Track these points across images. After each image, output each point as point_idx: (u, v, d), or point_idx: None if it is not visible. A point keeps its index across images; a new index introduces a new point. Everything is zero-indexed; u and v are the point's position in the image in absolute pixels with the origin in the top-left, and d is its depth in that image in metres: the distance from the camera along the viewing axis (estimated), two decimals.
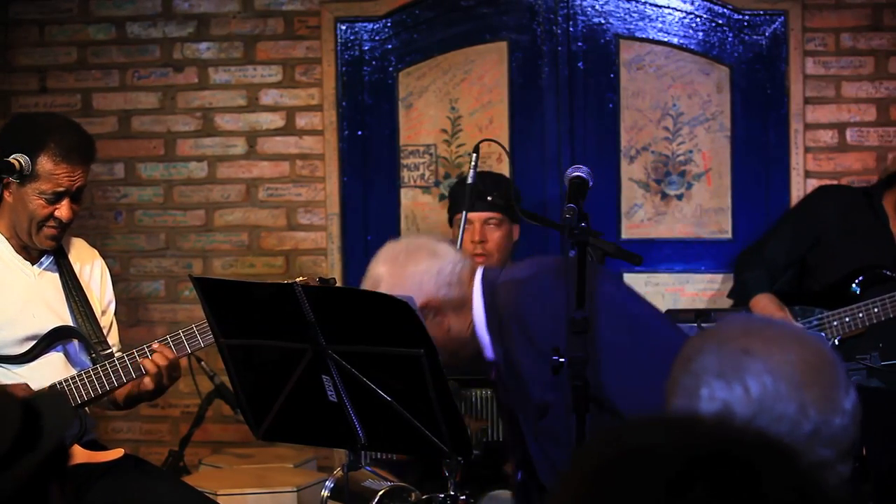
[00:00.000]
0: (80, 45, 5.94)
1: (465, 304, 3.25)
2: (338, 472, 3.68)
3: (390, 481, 3.69)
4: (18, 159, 3.64)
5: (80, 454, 3.73)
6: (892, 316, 4.71)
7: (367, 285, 3.20)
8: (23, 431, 1.75)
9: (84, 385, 3.75)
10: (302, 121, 5.87)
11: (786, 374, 1.85)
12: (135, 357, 3.77)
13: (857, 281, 4.93)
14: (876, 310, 4.73)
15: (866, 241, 5.02)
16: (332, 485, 3.67)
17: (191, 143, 5.93)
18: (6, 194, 3.74)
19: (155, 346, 3.76)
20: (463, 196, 4.61)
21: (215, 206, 5.93)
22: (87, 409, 3.86)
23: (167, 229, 5.94)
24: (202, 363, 4.94)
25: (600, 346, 3.00)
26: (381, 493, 3.58)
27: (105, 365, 3.76)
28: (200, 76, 5.90)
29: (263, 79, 5.88)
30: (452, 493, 3.35)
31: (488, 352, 3.25)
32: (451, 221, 4.88)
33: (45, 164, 3.68)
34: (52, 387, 3.71)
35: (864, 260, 4.98)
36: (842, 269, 4.99)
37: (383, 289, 3.13)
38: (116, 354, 3.82)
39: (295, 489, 4.77)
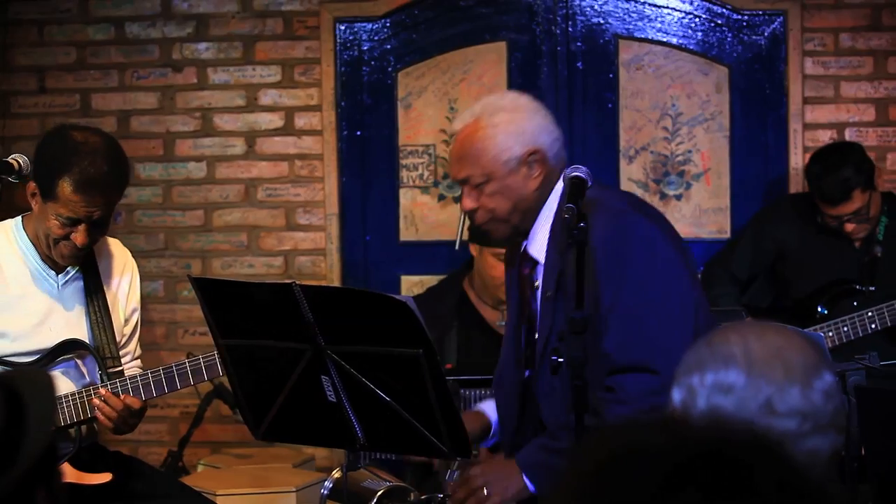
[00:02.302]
0: (79, 45, 5.93)
1: (552, 181, 3.30)
2: (337, 472, 3.68)
3: (389, 481, 3.69)
4: (17, 160, 3.58)
5: (68, 473, 3.64)
6: (861, 335, 4.70)
7: (490, 118, 3.26)
8: (6, 430, 1.63)
9: (83, 405, 3.68)
10: (301, 121, 5.87)
11: (738, 355, 2.00)
12: (148, 377, 3.71)
13: (822, 301, 4.93)
14: (846, 328, 4.72)
15: (827, 251, 5.00)
16: (330, 485, 3.66)
17: (190, 144, 5.93)
18: (33, 203, 3.64)
19: (102, 391, 3.61)
20: None
21: (214, 207, 5.93)
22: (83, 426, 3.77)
23: (166, 229, 5.94)
24: None
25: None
26: (379, 493, 3.58)
27: (106, 386, 3.68)
28: (199, 76, 5.90)
29: (262, 79, 5.88)
30: (451, 493, 3.34)
31: (530, 242, 3.31)
32: (472, 241, 4.81)
33: (64, 188, 3.50)
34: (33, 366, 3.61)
35: (828, 273, 4.97)
36: (807, 285, 4.99)
37: (504, 125, 3.23)
38: (128, 373, 3.75)
39: (294, 489, 4.77)
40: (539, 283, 3.32)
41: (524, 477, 3.19)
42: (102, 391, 3.62)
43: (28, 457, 1.61)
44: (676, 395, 2.00)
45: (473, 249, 4.74)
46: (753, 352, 1.98)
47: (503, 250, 4.60)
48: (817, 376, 1.98)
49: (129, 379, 3.68)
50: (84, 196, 3.51)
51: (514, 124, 3.25)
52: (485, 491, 3.19)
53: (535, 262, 3.33)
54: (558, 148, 3.30)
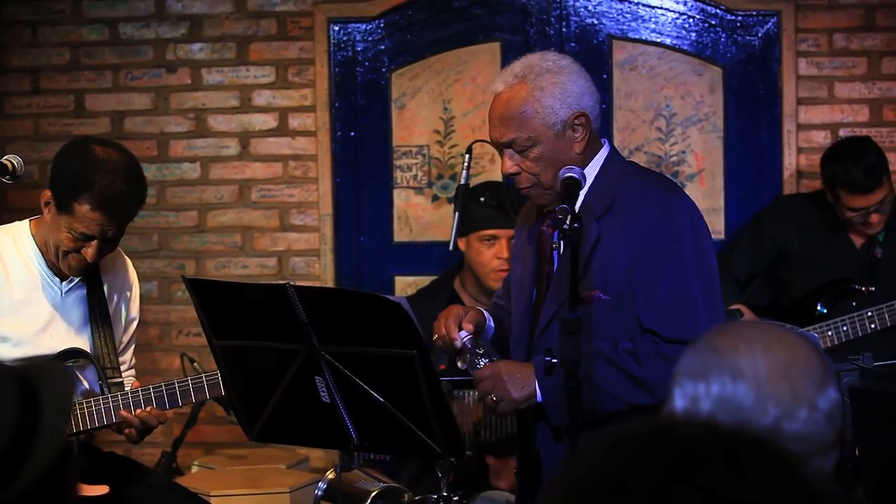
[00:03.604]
0: (72, 45, 5.93)
1: (595, 145, 3.30)
2: (330, 473, 3.68)
3: (383, 482, 3.69)
4: (11, 160, 3.55)
5: None
6: (860, 335, 4.70)
7: (535, 80, 3.22)
8: (19, 428, 1.53)
9: (83, 415, 3.65)
10: (295, 122, 5.87)
11: (746, 371, 1.93)
12: (150, 392, 3.69)
13: (821, 301, 4.92)
14: (846, 328, 4.73)
15: (827, 251, 4.99)
16: (324, 486, 3.67)
17: (183, 144, 5.93)
18: (45, 211, 3.60)
19: (139, 412, 3.64)
20: (476, 213, 4.61)
21: (208, 207, 5.92)
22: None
23: (160, 230, 5.94)
24: (195, 364, 4.93)
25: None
26: (373, 493, 3.58)
27: (107, 398, 3.66)
28: (193, 77, 5.90)
29: (256, 80, 5.88)
30: (445, 493, 3.35)
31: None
32: (459, 235, 4.79)
33: (81, 204, 3.48)
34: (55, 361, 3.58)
35: (828, 273, 4.96)
36: (807, 284, 4.98)
37: (550, 88, 3.20)
38: (128, 385, 3.74)
39: (288, 490, 4.76)
40: (560, 244, 3.29)
41: (536, 386, 3.17)
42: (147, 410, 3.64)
43: (39, 461, 1.52)
44: (679, 403, 1.95)
45: (461, 243, 4.73)
46: (762, 369, 1.93)
47: (490, 231, 4.63)
48: (822, 394, 1.93)
49: (131, 393, 3.68)
50: (100, 214, 3.49)
51: (560, 87, 3.21)
52: (493, 397, 3.18)
53: None
54: (598, 110, 3.30)
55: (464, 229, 4.71)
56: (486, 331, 3.41)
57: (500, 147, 3.28)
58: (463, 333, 3.27)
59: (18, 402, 1.56)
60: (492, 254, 4.68)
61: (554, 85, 3.21)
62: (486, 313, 3.43)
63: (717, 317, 3.18)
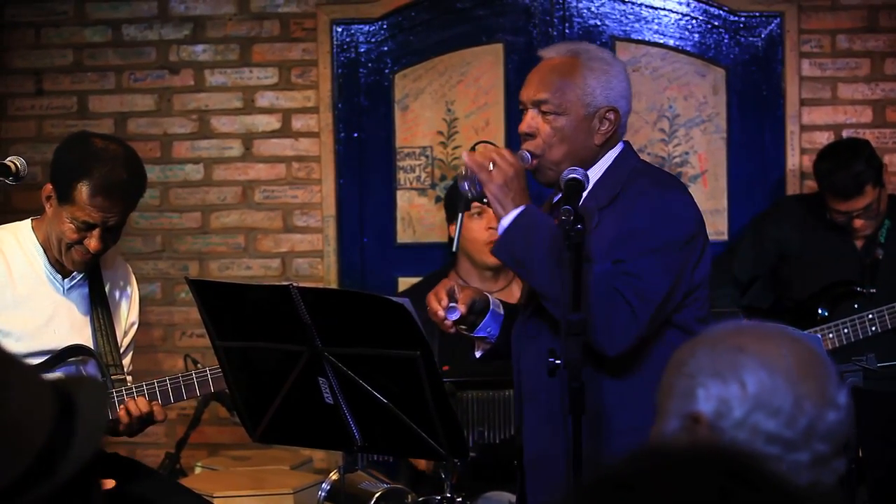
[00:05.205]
0: (75, 47, 5.93)
1: (615, 140, 3.30)
2: (334, 474, 3.69)
3: (386, 483, 3.69)
4: (14, 162, 3.58)
5: None
6: (861, 337, 4.69)
7: (588, 60, 3.25)
8: (54, 433, 1.55)
9: None
10: (298, 123, 5.87)
11: (781, 368, 1.87)
12: (154, 387, 3.72)
13: (823, 303, 4.91)
14: (846, 330, 4.72)
15: (829, 252, 4.99)
16: (328, 487, 3.67)
17: (187, 146, 5.93)
18: (47, 206, 3.64)
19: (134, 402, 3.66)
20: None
21: (211, 209, 5.92)
22: None
23: (163, 232, 5.94)
24: (198, 365, 4.93)
25: None
26: (377, 495, 3.59)
27: (112, 393, 3.69)
28: (196, 78, 5.90)
29: (259, 81, 5.88)
30: (448, 494, 3.35)
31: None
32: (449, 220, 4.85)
33: (82, 192, 3.53)
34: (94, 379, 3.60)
35: (829, 274, 4.96)
36: (808, 286, 4.98)
37: (598, 73, 3.23)
38: (128, 380, 3.77)
39: (291, 491, 4.77)
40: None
41: (514, 211, 3.12)
42: (139, 400, 3.65)
43: (72, 463, 1.55)
44: (704, 406, 1.86)
45: (452, 230, 4.72)
46: (793, 367, 1.87)
47: (477, 205, 4.61)
48: (840, 391, 1.90)
49: (136, 387, 3.70)
50: (101, 201, 3.54)
51: (607, 76, 3.25)
52: (490, 166, 3.13)
53: None
54: (626, 120, 3.32)
55: (456, 217, 4.72)
56: (493, 315, 3.38)
57: (527, 107, 3.28)
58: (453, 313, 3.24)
59: (56, 405, 1.59)
60: (481, 226, 4.65)
61: (603, 72, 3.25)
62: (490, 297, 3.40)
63: (665, 305, 3.13)
